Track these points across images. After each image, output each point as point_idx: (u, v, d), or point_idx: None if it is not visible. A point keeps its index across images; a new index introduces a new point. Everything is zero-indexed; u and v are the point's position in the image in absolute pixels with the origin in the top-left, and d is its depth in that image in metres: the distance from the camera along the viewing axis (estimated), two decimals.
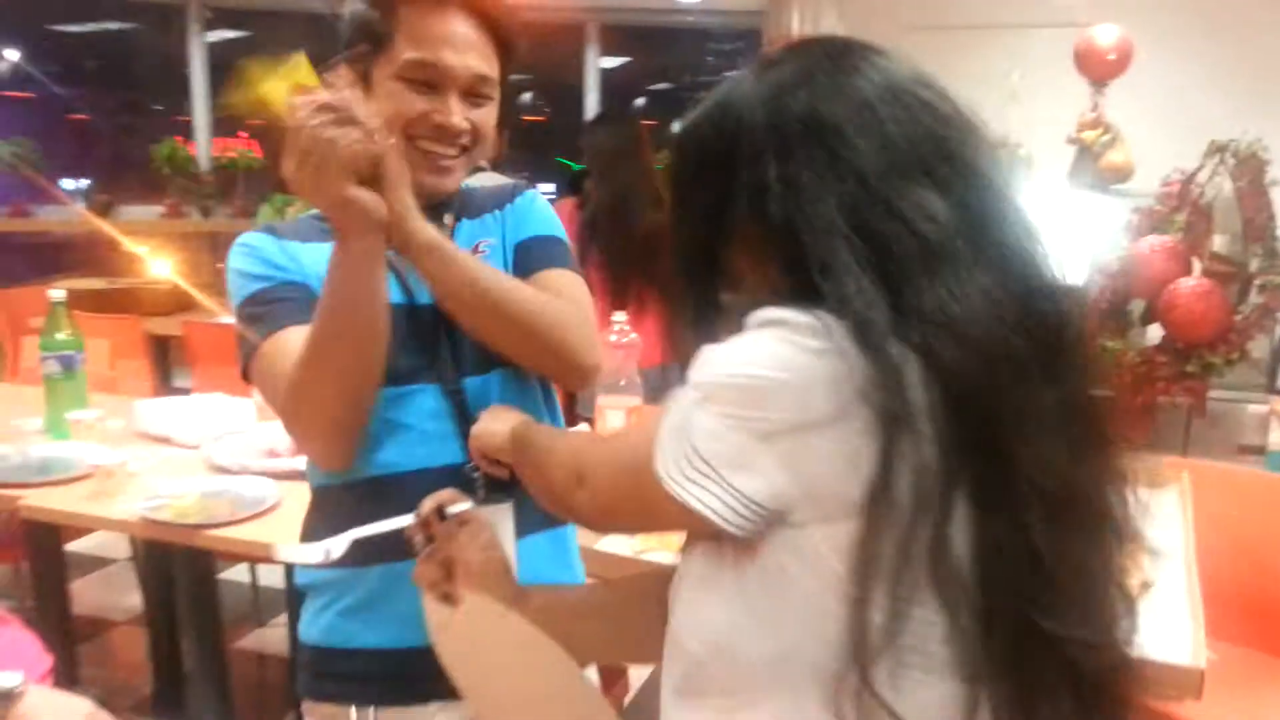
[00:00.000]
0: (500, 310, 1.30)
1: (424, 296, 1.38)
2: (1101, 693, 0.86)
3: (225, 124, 6.85)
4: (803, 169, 0.84)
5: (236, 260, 1.39)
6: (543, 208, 1.53)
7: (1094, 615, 0.84)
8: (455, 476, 1.30)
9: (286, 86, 1.16)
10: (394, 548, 1.21)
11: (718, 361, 0.83)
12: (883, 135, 0.85)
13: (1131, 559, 1.71)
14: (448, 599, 1.13)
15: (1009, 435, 0.79)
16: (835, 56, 0.89)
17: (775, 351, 0.80)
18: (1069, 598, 0.81)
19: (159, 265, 5.32)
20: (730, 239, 0.90)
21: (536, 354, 1.35)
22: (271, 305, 1.36)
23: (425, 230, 1.24)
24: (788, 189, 0.85)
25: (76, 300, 2.68)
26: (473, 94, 1.36)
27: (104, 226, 6.01)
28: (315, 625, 1.44)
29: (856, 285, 0.80)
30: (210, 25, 6.68)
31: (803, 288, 0.82)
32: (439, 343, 1.38)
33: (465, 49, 1.33)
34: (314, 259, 1.37)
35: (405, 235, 1.23)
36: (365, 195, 1.15)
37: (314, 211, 1.46)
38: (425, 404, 1.36)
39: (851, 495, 0.78)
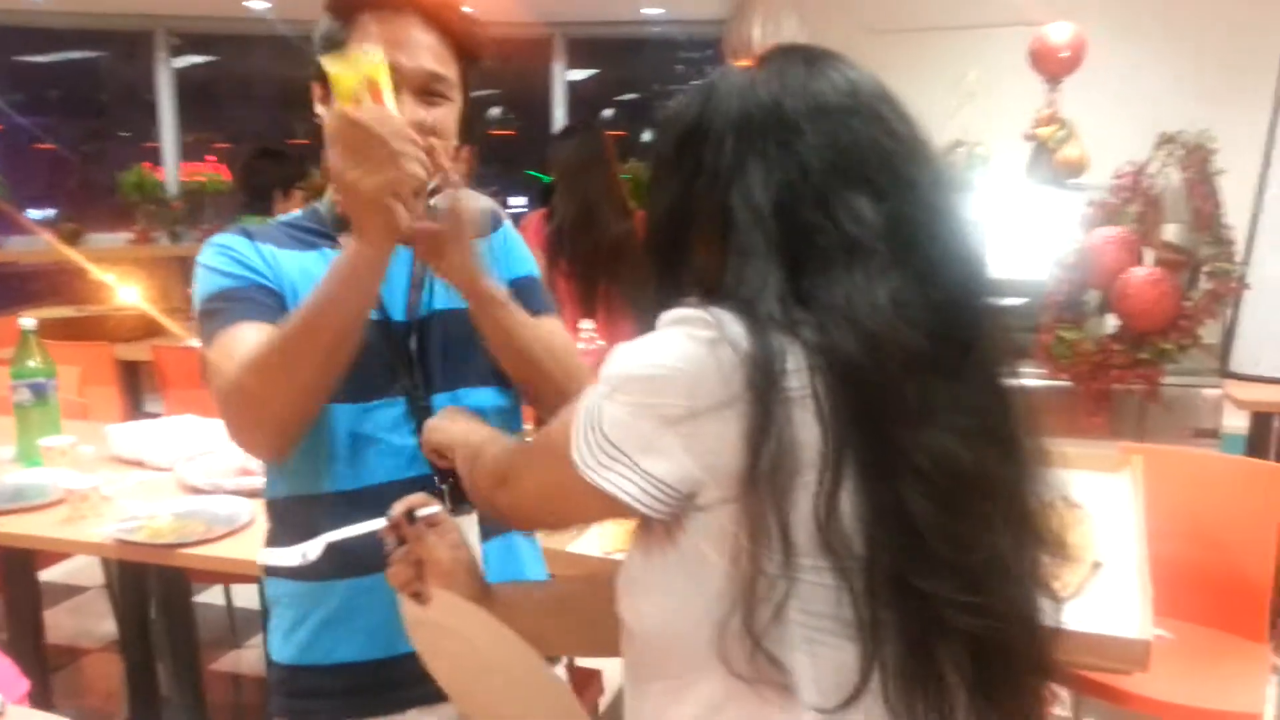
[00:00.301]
0: (549, 362, 1.38)
1: (397, 314, 1.42)
2: (1009, 663, 0.91)
3: (193, 149, 6.86)
4: (753, 155, 0.91)
5: (208, 257, 1.39)
6: (519, 242, 1.58)
7: (980, 584, 0.87)
8: (421, 490, 1.32)
9: (359, 77, 1.19)
10: (364, 558, 1.25)
11: (625, 357, 0.89)
12: (834, 138, 0.91)
13: (1081, 541, 1.77)
14: (419, 597, 1.16)
15: (891, 420, 0.84)
16: (811, 62, 0.95)
17: (674, 345, 0.86)
18: (949, 564, 0.86)
19: (127, 291, 5.31)
20: (692, 223, 0.95)
21: (556, 395, 1.38)
22: (237, 303, 1.36)
23: (498, 285, 1.34)
24: (734, 172, 0.91)
25: (46, 328, 2.70)
26: (427, 92, 1.35)
27: (72, 255, 6.00)
28: (287, 644, 1.44)
29: (757, 273, 0.87)
30: (177, 51, 6.69)
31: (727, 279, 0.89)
32: (409, 359, 1.41)
33: (418, 51, 1.34)
34: (292, 265, 1.40)
35: (480, 288, 1.32)
36: (402, 208, 1.18)
37: (288, 217, 1.49)
38: (392, 418, 1.39)
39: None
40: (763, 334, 0.84)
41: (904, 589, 0.85)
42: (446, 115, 1.38)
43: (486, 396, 1.45)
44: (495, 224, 1.55)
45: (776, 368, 0.83)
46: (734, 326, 0.84)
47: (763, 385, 0.82)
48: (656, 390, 0.85)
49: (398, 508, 1.19)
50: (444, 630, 1.16)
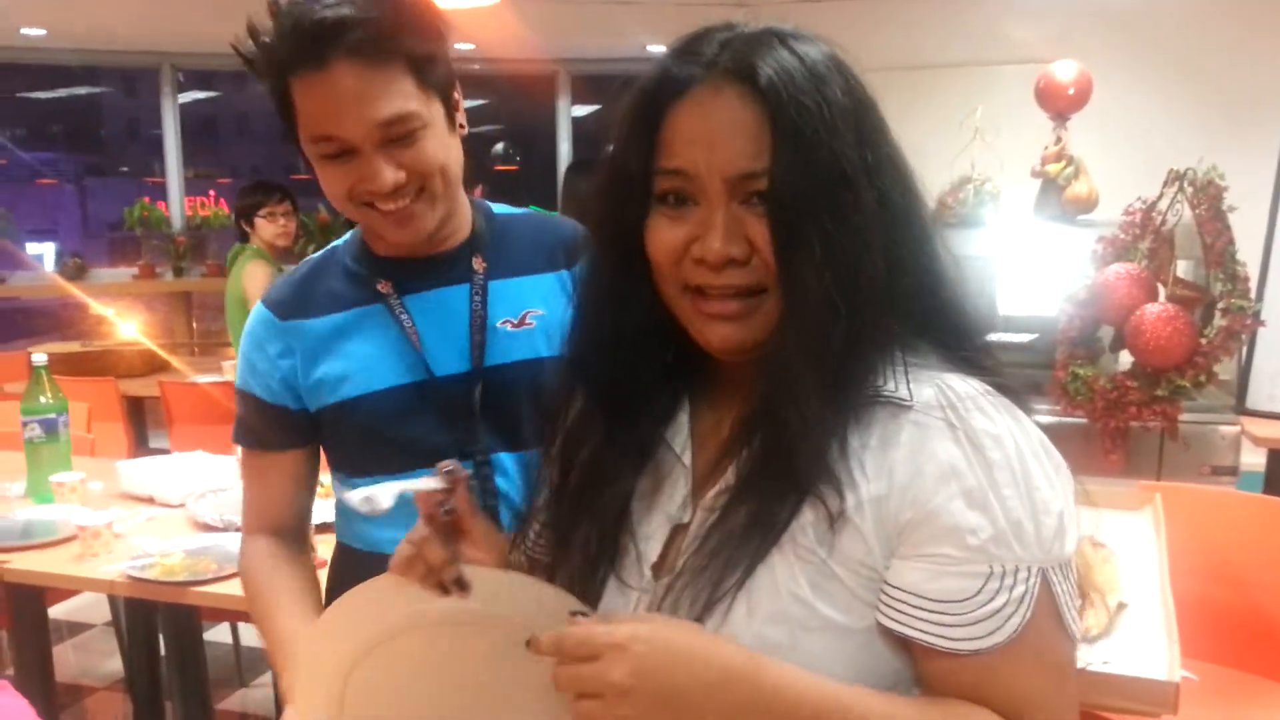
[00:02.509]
0: None
1: (442, 368, 1.34)
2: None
3: (196, 183, 6.88)
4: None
5: (243, 336, 1.42)
6: None
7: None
8: None
9: None
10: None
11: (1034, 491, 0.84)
12: None
13: (1107, 581, 1.75)
14: (453, 587, 0.91)
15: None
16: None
17: (1040, 448, 0.87)
18: None
19: (131, 326, 5.32)
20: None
21: None
22: (243, 415, 1.42)
23: None
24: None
25: (52, 364, 2.69)
26: (393, 139, 1.22)
27: (75, 291, 6.01)
28: None
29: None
30: (181, 87, 6.72)
31: None
32: (471, 415, 1.34)
33: (361, 105, 1.19)
34: (324, 333, 1.35)
35: None
36: None
37: (319, 260, 1.43)
38: None
39: None
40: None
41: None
42: (426, 149, 1.25)
43: None
44: (570, 250, 1.37)
45: None
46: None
47: None
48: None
49: (447, 464, 0.97)
50: (483, 626, 0.90)
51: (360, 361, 1.34)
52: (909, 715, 0.80)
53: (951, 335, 0.88)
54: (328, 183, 1.28)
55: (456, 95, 1.32)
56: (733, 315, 0.85)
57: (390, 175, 1.22)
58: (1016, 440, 0.81)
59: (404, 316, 1.35)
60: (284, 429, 1.40)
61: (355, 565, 1.40)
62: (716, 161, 0.82)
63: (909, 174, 0.88)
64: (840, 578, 0.82)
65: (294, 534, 1.47)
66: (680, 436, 0.93)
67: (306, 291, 1.40)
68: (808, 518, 0.82)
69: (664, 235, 0.86)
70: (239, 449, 1.48)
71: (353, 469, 1.41)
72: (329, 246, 1.47)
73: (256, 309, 1.41)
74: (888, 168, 0.85)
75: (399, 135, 1.22)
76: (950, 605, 0.80)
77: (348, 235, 1.46)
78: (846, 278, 0.81)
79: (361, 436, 1.36)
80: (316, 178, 1.30)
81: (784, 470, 0.82)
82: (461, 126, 1.33)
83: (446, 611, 0.90)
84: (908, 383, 0.83)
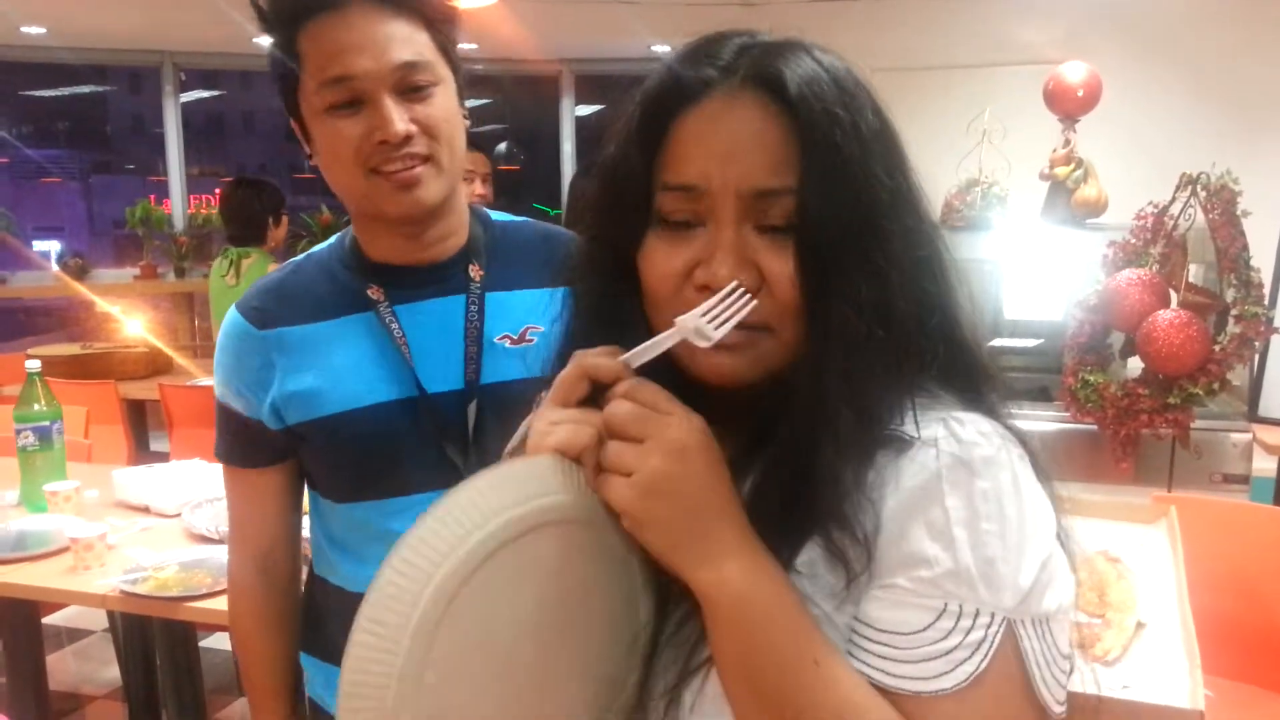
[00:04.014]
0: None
1: (434, 384, 1.25)
2: None
3: (199, 182, 6.85)
4: None
5: (218, 346, 1.33)
6: None
7: None
8: None
9: None
10: None
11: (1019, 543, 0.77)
12: None
13: (1124, 599, 1.71)
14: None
15: None
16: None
17: (1037, 496, 0.82)
18: None
19: (134, 327, 5.28)
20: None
21: None
22: (223, 430, 1.36)
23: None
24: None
25: (51, 367, 2.66)
26: (407, 88, 1.18)
27: (80, 289, 5.99)
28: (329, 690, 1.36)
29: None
30: (183, 86, 6.69)
31: None
32: (464, 438, 1.25)
33: (381, 46, 1.16)
34: (310, 343, 1.26)
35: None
36: None
37: (313, 257, 1.34)
38: None
39: None
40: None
41: None
42: (439, 106, 1.21)
43: None
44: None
45: None
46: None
47: None
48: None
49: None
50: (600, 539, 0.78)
51: (345, 374, 1.25)
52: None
53: (966, 376, 0.81)
54: (334, 140, 1.19)
55: (461, 78, 1.28)
56: (731, 345, 0.76)
57: (401, 123, 1.17)
58: (1016, 477, 0.74)
59: (394, 325, 1.26)
60: (267, 445, 1.32)
61: (332, 601, 1.34)
62: (731, 175, 0.74)
63: (929, 205, 0.82)
64: (836, 623, 0.76)
65: (283, 555, 1.41)
66: None
67: (287, 297, 1.31)
68: (804, 558, 0.76)
69: (662, 260, 0.78)
70: (223, 465, 1.41)
71: (334, 492, 1.32)
72: (311, 251, 1.38)
73: (232, 316, 1.32)
74: (914, 197, 0.79)
75: (412, 85, 1.18)
76: (896, 637, 0.72)
77: (333, 239, 1.37)
78: (881, 314, 0.74)
79: (343, 456, 1.27)
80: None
81: (787, 513, 0.76)
82: (466, 117, 1.28)
83: (598, 507, 0.76)
84: (916, 419, 0.76)
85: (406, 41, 1.18)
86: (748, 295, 0.76)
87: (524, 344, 1.27)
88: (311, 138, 1.24)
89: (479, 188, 3.66)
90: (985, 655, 0.71)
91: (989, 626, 0.71)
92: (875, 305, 0.74)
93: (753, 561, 0.73)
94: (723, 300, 0.76)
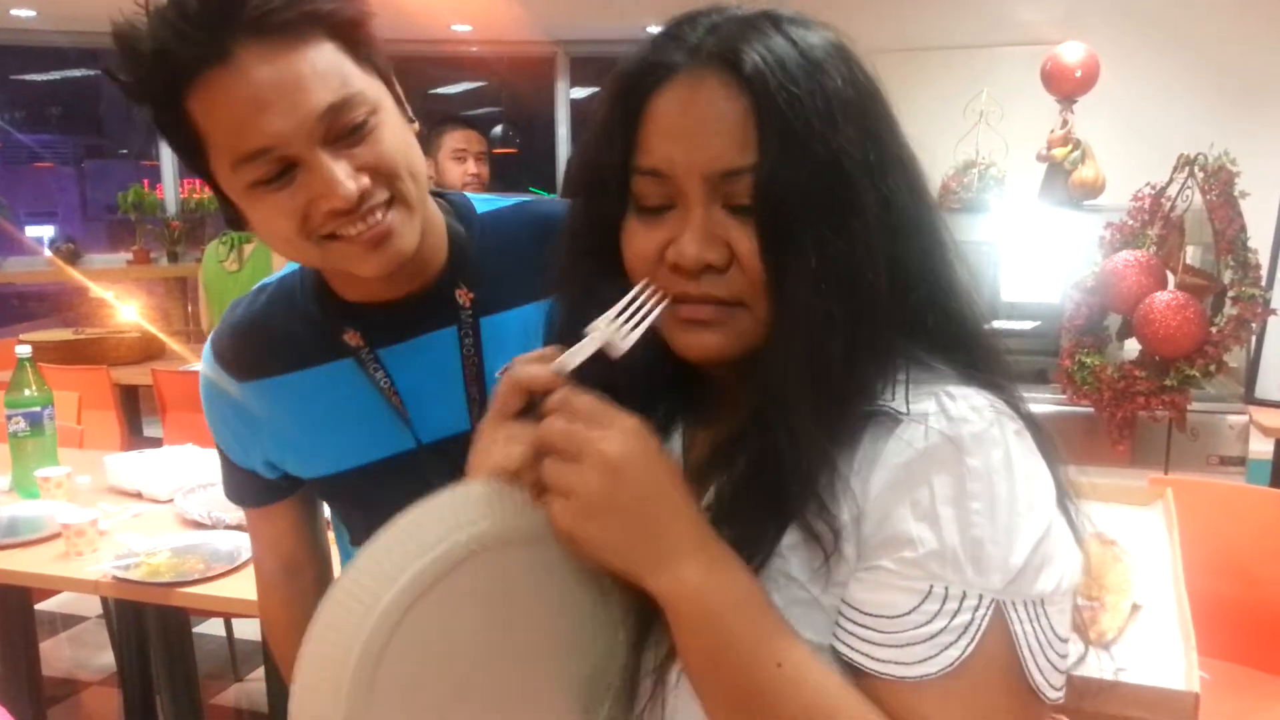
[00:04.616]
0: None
1: (432, 432, 1.11)
2: None
3: None
4: None
5: (201, 391, 1.21)
6: None
7: None
8: None
9: None
10: None
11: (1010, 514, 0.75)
12: None
13: (1119, 581, 1.70)
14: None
15: None
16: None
17: (1034, 466, 0.80)
18: None
19: (126, 312, 5.25)
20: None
21: None
22: (222, 470, 1.27)
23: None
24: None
25: (43, 352, 2.65)
26: (341, 134, 0.95)
27: (73, 274, 5.96)
28: None
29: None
30: None
31: None
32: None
33: (288, 95, 0.92)
34: (282, 396, 1.12)
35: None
36: None
37: (276, 294, 1.16)
38: None
39: None
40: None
41: None
42: (385, 134, 0.98)
43: None
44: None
45: None
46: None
47: None
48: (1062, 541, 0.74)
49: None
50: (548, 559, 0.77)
51: (331, 431, 1.13)
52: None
53: (964, 350, 0.79)
54: (271, 220, 0.97)
55: (396, 85, 1.05)
56: (707, 321, 0.76)
57: (350, 180, 0.94)
58: (1009, 454, 0.71)
59: (379, 374, 1.10)
60: (268, 488, 1.24)
61: None
62: (696, 158, 0.74)
63: (918, 175, 0.79)
64: (823, 605, 0.74)
65: (308, 559, 1.33)
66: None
67: (265, 340, 1.14)
68: (789, 541, 0.75)
69: (638, 241, 0.78)
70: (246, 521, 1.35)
71: (346, 531, 1.26)
72: (281, 274, 1.19)
73: (208, 359, 1.18)
74: (895, 167, 0.76)
75: (347, 127, 0.95)
76: (880, 620, 0.71)
77: (295, 267, 1.17)
78: (844, 290, 0.72)
79: (347, 508, 1.22)
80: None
81: (769, 495, 0.75)
82: (412, 121, 1.06)
83: (540, 524, 0.75)
84: (907, 395, 0.74)
85: (322, 77, 0.93)
86: (660, 294, 0.77)
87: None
88: (241, 214, 1.02)
89: (472, 166, 3.61)
90: (972, 639, 0.69)
91: (976, 609, 0.69)
92: (839, 279, 0.73)
93: (709, 563, 0.73)
94: (631, 302, 0.77)
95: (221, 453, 1.24)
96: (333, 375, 1.11)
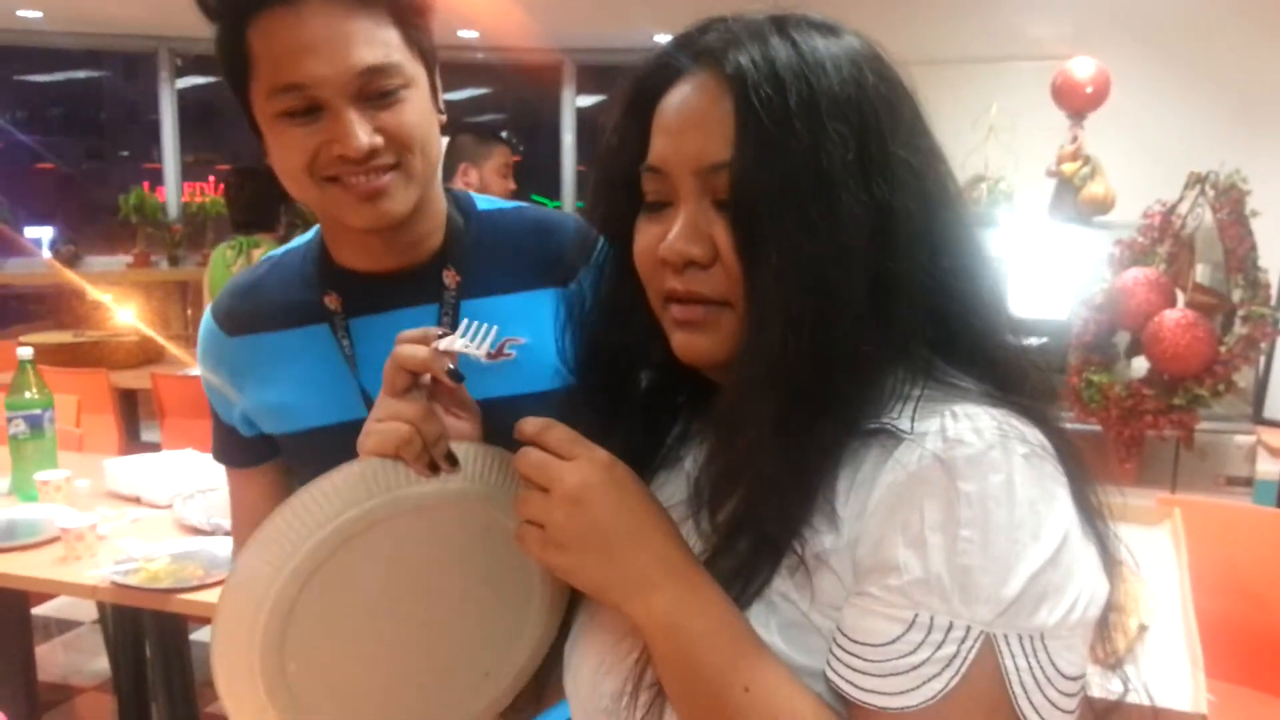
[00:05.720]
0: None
1: None
2: None
3: (194, 169, 6.80)
4: None
5: (198, 347, 1.26)
6: None
7: None
8: None
9: None
10: None
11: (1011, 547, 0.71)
12: None
13: (1127, 602, 1.69)
14: (434, 466, 0.84)
15: None
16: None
17: (1055, 503, 0.76)
18: None
19: (126, 315, 5.24)
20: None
21: None
22: (214, 429, 1.28)
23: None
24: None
25: (42, 355, 2.63)
26: (371, 94, 1.03)
27: (73, 278, 5.94)
28: None
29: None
30: (179, 72, 6.64)
31: None
32: None
33: (337, 47, 1.01)
34: (263, 354, 1.18)
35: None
36: None
37: (282, 254, 1.24)
38: None
39: None
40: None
41: None
42: (408, 112, 1.06)
43: None
44: (572, 254, 1.01)
45: None
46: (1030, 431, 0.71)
47: None
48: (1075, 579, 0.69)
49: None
50: (461, 507, 0.86)
51: (299, 391, 1.17)
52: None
53: (987, 367, 0.76)
54: (285, 150, 1.06)
55: (437, 77, 1.13)
56: (695, 321, 0.75)
57: (365, 136, 1.02)
58: (1010, 480, 0.67)
59: (345, 341, 1.15)
60: (247, 448, 1.26)
61: None
62: (685, 154, 0.75)
63: (938, 183, 0.76)
64: (818, 626, 0.72)
65: None
66: (686, 467, 0.85)
67: (260, 299, 1.21)
68: (788, 562, 0.73)
69: (640, 237, 0.79)
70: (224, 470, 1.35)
71: None
72: (294, 242, 1.26)
73: (206, 317, 1.25)
74: (900, 171, 0.73)
75: (378, 91, 1.03)
76: (866, 648, 0.68)
77: (313, 231, 1.24)
78: (812, 290, 0.69)
79: (307, 471, 1.21)
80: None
81: (752, 522, 0.74)
82: (441, 114, 1.13)
83: (429, 494, 0.83)
84: (914, 413, 0.71)
85: (371, 41, 1.02)
86: (487, 325, 0.86)
87: (501, 359, 1.01)
88: (261, 135, 1.11)
89: (511, 183, 3.69)
90: (957, 672, 0.66)
91: (962, 641, 0.66)
92: (807, 278, 0.70)
93: (679, 593, 0.73)
94: (470, 328, 0.87)
95: (214, 412, 1.27)
96: (310, 337, 1.17)
